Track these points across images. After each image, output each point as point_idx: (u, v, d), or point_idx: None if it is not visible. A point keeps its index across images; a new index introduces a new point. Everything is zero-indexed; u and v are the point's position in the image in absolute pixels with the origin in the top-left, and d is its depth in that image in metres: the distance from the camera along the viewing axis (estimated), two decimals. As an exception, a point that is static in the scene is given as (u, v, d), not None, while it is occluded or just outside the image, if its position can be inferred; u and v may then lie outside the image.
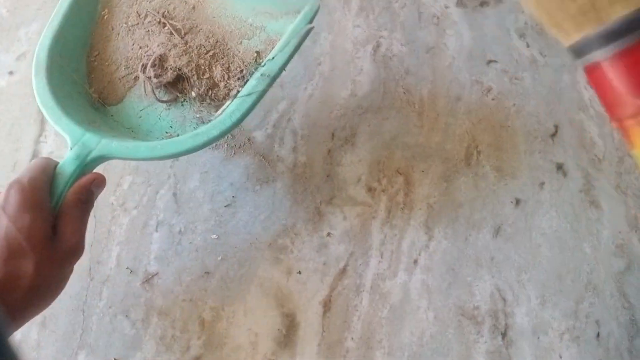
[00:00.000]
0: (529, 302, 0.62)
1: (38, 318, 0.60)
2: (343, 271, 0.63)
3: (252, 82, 0.57)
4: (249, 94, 0.55)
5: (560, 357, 0.60)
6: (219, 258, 0.64)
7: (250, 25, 0.62)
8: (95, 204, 0.66)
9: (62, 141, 0.72)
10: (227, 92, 0.59)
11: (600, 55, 0.37)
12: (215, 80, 0.60)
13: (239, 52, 0.61)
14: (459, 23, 0.82)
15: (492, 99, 0.75)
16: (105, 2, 0.65)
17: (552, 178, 0.70)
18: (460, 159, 0.71)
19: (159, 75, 0.58)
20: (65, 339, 0.59)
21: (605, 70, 0.37)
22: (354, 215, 0.67)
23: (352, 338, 0.60)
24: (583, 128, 0.74)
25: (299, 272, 0.63)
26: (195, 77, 0.59)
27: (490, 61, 0.79)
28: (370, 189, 0.69)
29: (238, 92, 0.58)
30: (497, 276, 0.64)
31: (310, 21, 0.60)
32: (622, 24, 0.36)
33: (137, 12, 0.64)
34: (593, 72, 0.38)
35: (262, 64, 0.58)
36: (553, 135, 0.73)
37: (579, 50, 0.40)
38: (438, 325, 0.61)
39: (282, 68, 0.58)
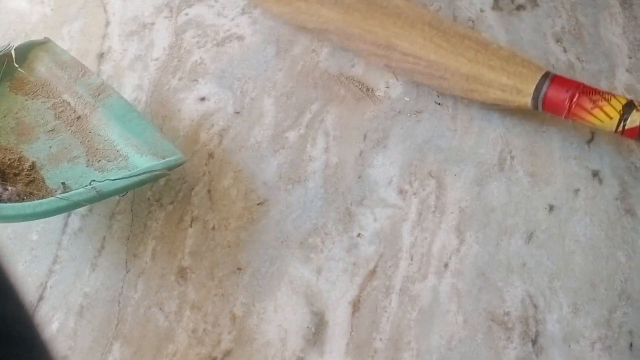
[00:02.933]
0: (561, 310, 0.62)
1: (75, 308, 0.62)
2: (373, 272, 0.64)
3: (80, 190, 0.58)
4: (65, 198, 0.57)
5: (592, 366, 0.59)
6: (251, 255, 0.65)
7: (117, 151, 0.65)
8: (132, 198, 0.68)
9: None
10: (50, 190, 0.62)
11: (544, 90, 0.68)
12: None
13: (91, 165, 0.64)
14: (495, 26, 0.82)
15: (527, 104, 0.75)
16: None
17: (587, 185, 0.69)
18: (493, 164, 0.70)
19: None
20: (101, 329, 0.61)
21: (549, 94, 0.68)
22: (385, 217, 0.67)
23: (381, 339, 0.60)
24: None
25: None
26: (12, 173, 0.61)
27: (526, 66, 0.78)
28: (401, 191, 0.69)
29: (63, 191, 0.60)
30: (528, 282, 0.63)
31: (169, 169, 0.63)
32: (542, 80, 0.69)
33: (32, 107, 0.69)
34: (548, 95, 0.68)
35: (102, 179, 0.60)
36: (589, 141, 0.72)
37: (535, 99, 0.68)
38: (467, 330, 0.61)
39: (117, 192, 0.60)
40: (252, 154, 0.72)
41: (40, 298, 0.63)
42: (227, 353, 0.60)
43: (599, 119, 0.65)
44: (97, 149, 0.66)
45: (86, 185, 0.59)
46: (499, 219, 0.67)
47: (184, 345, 0.60)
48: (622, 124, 0.64)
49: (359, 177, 0.70)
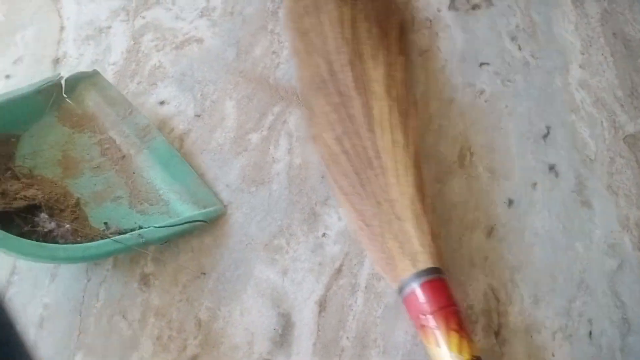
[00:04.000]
0: (522, 302, 0.63)
1: (35, 319, 0.60)
2: (338, 271, 0.64)
3: (127, 235, 0.58)
4: (117, 241, 0.57)
5: (553, 355, 0.60)
6: (215, 259, 0.64)
7: (159, 195, 0.65)
8: (92, 205, 0.67)
9: (59, 144, 0.72)
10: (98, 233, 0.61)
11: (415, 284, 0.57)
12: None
13: (134, 208, 0.63)
14: (452, 26, 0.83)
15: (485, 101, 0.76)
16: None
17: (544, 179, 0.71)
18: (453, 161, 0.72)
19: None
20: (63, 340, 0.59)
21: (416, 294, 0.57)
22: (349, 216, 0.67)
23: (347, 337, 0.60)
24: (575, 129, 0.75)
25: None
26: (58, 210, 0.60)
27: (482, 64, 0.80)
28: (364, 190, 0.69)
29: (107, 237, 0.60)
30: (490, 276, 0.64)
31: (208, 220, 0.64)
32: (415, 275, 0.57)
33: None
34: (408, 297, 0.58)
35: (145, 223, 0.61)
36: (545, 136, 0.74)
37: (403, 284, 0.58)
38: (432, 325, 0.61)
39: (160, 240, 0.61)
40: (214, 157, 0.71)
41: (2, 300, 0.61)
42: (194, 358, 0.59)
43: (449, 343, 0.53)
44: (140, 191, 0.64)
45: (133, 230, 0.59)
46: (461, 214, 0.68)
47: (149, 352, 0.59)
48: None
49: (322, 177, 0.70)
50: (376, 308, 0.62)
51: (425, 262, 0.57)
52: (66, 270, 0.63)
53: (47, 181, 0.62)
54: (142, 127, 0.69)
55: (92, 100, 0.70)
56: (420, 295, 0.56)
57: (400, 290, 0.58)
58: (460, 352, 0.53)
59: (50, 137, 0.66)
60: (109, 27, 0.82)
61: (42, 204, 0.58)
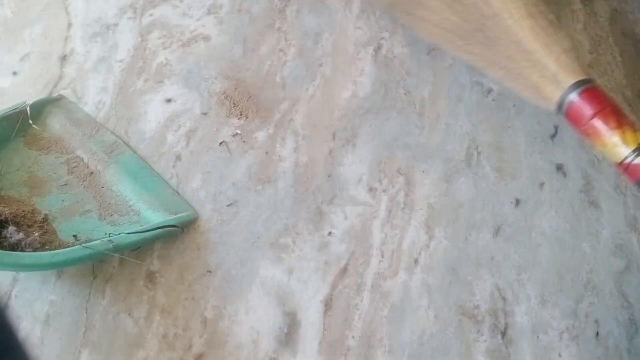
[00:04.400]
0: (529, 301, 0.63)
1: (42, 316, 0.60)
2: (344, 270, 0.64)
3: (96, 241, 0.59)
4: (87, 247, 0.58)
5: (560, 356, 0.60)
6: (221, 257, 0.64)
7: (129, 206, 0.66)
8: (98, 203, 0.67)
9: (66, 141, 0.72)
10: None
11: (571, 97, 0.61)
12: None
13: (103, 219, 0.65)
14: (460, 24, 0.82)
15: (493, 100, 0.76)
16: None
17: (552, 178, 0.70)
18: (460, 160, 0.71)
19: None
20: (69, 337, 0.59)
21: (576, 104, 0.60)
22: (355, 214, 0.67)
23: (353, 336, 0.60)
24: (583, 129, 0.74)
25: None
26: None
27: (490, 62, 0.79)
28: (371, 189, 0.69)
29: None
30: (497, 275, 0.64)
31: (182, 226, 0.65)
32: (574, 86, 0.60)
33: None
34: (569, 110, 0.61)
35: (117, 232, 0.62)
36: (553, 136, 0.74)
37: (563, 97, 0.61)
38: (438, 324, 0.61)
39: (131, 246, 0.62)
40: (220, 155, 0.71)
41: (6, 307, 0.61)
42: (199, 357, 0.59)
43: (612, 142, 0.59)
44: (109, 203, 0.66)
45: (103, 238, 0.60)
46: (467, 214, 0.68)
47: (155, 350, 0.59)
48: (632, 157, 0.58)
49: (328, 176, 0.70)
50: (382, 307, 0.62)
51: (575, 74, 0.61)
52: (72, 268, 0.63)
53: (14, 200, 0.64)
54: (109, 144, 0.71)
55: (58, 123, 0.72)
56: (580, 103, 0.60)
57: (560, 106, 0.61)
58: (626, 143, 0.58)
59: (16, 160, 0.68)
60: (116, 25, 0.82)
61: (9, 219, 0.60)
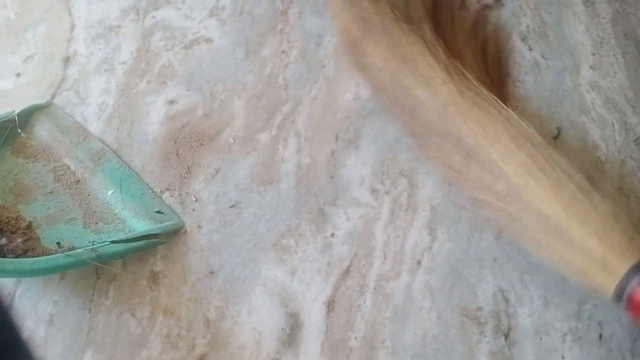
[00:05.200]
0: (532, 303, 0.63)
1: (45, 316, 0.60)
2: (346, 272, 0.64)
3: (79, 250, 0.59)
4: (69, 255, 0.58)
5: (563, 358, 0.60)
6: (224, 258, 0.64)
7: (115, 214, 0.66)
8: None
9: (69, 142, 0.72)
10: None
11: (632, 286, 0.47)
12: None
13: (88, 227, 0.65)
14: (462, 26, 0.83)
15: (495, 102, 0.76)
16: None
17: (554, 180, 0.70)
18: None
19: None
20: (73, 337, 0.60)
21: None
22: (358, 216, 0.67)
23: (356, 338, 0.60)
24: (585, 130, 0.74)
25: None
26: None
27: (493, 64, 0.79)
28: (373, 191, 0.69)
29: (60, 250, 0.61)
30: (499, 277, 0.64)
31: (167, 235, 0.64)
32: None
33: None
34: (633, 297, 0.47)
35: (101, 240, 0.62)
36: (556, 137, 0.74)
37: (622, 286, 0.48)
38: (441, 326, 0.61)
39: (115, 255, 0.61)
40: (223, 156, 0.71)
41: (9, 307, 0.61)
42: (202, 357, 0.59)
43: None
44: (94, 211, 0.66)
45: (86, 246, 0.60)
46: (470, 215, 0.68)
47: (158, 350, 0.59)
48: None
49: (331, 178, 0.70)
50: (385, 309, 0.62)
51: (630, 253, 0.47)
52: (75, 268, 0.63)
53: None
54: (97, 151, 0.71)
55: (46, 131, 0.72)
56: None
57: (620, 295, 0.47)
58: None
59: (3, 167, 0.69)
60: (119, 26, 0.82)
61: None
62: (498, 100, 0.63)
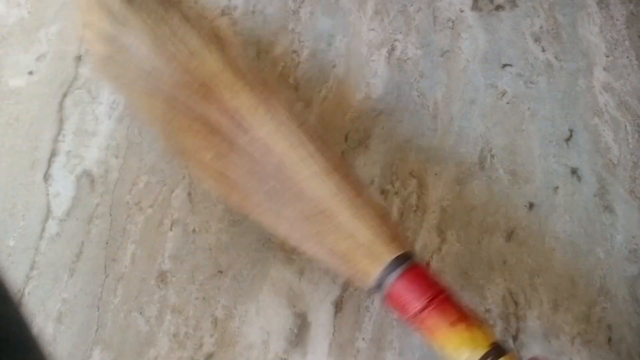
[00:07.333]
0: (541, 306, 0.62)
1: (54, 313, 0.61)
2: (355, 272, 0.64)
3: None
4: None
5: (572, 361, 0.59)
6: (232, 257, 0.64)
7: None
8: (111, 202, 0.68)
9: (80, 140, 0.73)
10: None
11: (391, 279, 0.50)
12: None
13: None
14: (474, 27, 0.82)
15: (507, 103, 0.76)
16: None
17: (566, 182, 0.70)
18: (474, 162, 0.71)
19: None
20: (81, 335, 0.60)
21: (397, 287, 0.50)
22: (367, 216, 0.67)
23: (363, 338, 0.60)
24: (598, 132, 0.73)
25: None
26: None
27: (505, 65, 0.79)
28: (383, 191, 0.69)
29: None
30: (509, 279, 0.63)
31: None
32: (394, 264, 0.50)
33: None
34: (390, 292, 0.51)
35: None
36: (568, 139, 0.73)
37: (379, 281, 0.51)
38: (449, 328, 0.61)
39: None
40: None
41: (19, 304, 0.62)
42: (209, 356, 0.59)
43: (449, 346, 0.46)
44: None
45: None
46: (480, 217, 0.67)
47: (165, 349, 0.59)
48: None
49: (340, 178, 0.70)
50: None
51: (390, 250, 0.48)
52: (84, 266, 0.64)
53: None
54: None
55: None
56: (401, 291, 0.48)
57: (381, 282, 0.50)
58: (474, 346, 0.44)
59: None
60: (131, 25, 0.83)
61: None
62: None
